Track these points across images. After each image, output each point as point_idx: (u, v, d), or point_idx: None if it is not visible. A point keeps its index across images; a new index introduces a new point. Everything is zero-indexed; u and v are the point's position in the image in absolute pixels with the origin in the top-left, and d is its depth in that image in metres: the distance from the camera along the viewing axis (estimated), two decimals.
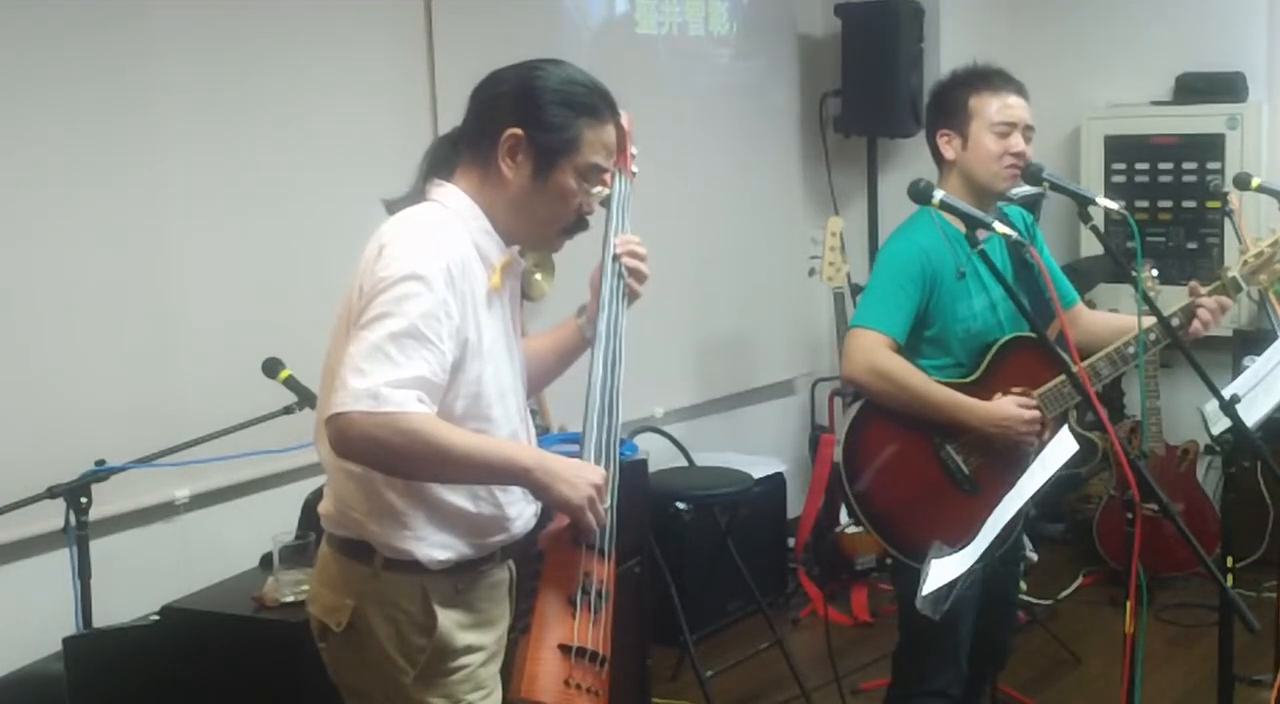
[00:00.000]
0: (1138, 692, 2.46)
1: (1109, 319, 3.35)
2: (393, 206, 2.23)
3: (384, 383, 1.97)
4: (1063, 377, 2.99)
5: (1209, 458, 5.32)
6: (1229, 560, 3.15)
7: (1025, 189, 3.21)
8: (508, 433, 2.23)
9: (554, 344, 2.46)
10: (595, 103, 2.20)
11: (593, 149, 2.19)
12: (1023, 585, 4.52)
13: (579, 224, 2.25)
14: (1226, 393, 2.85)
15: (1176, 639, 4.68)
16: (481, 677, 2.25)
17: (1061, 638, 4.64)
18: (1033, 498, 2.44)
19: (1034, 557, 5.10)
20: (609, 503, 2.20)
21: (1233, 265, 3.13)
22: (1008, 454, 3.01)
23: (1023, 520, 3.25)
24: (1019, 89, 3.10)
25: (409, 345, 2.01)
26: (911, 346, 3.05)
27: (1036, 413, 3.01)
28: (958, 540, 2.97)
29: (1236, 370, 4.48)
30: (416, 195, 2.23)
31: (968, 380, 3.05)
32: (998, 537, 2.54)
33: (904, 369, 2.99)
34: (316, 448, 2.25)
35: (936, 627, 2.57)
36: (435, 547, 2.16)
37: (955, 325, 3.05)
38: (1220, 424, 2.95)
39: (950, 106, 3.09)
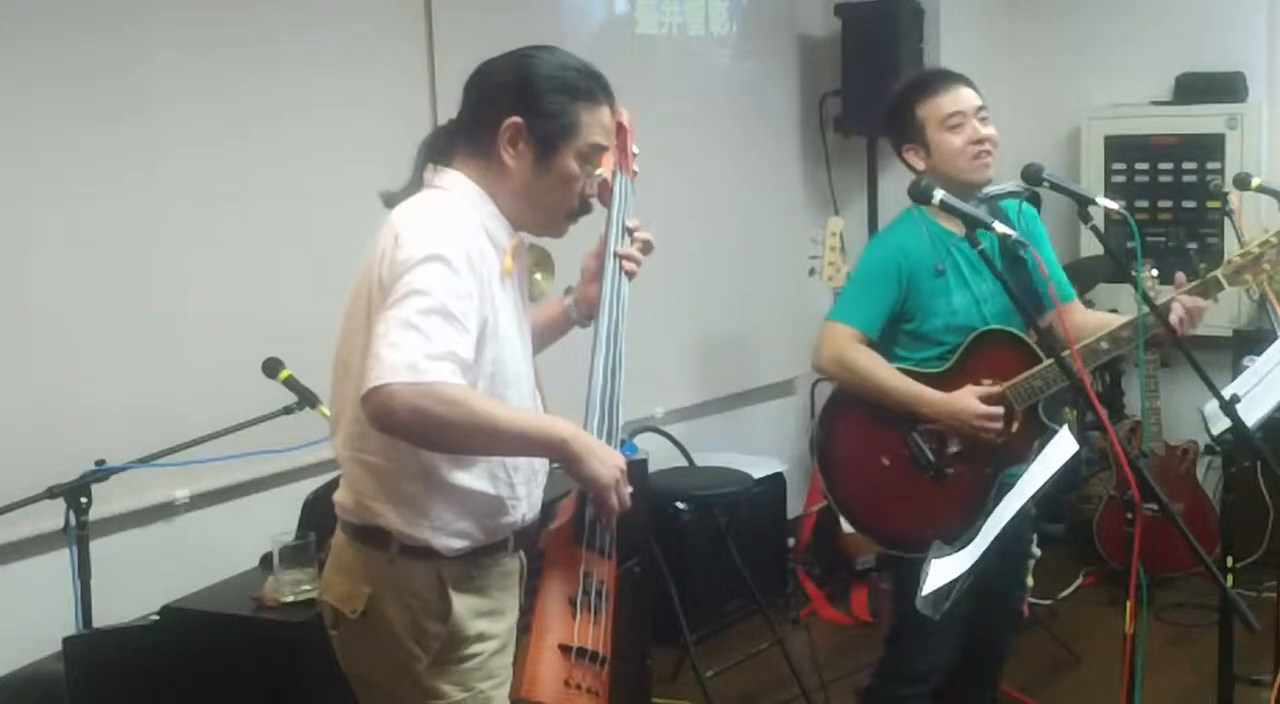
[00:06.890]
0: (1138, 692, 2.46)
1: (1103, 317, 3.34)
2: (391, 199, 2.22)
3: (422, 355, 1.97)
4: (1034, 370, 3.03)
5: (1209, 458, 5.33)
6: (1229, 560, 3.16)
7: (1008, 185, 3.20)
8: None
9: (541, 320, 2.48)
10: (590, 86, 2.22)
11: (591, 130, 2.21)
12: (1030, 581, 4.49)
13: (583, 207, 2.27)
14: (1226, 393, 2.86)
15: (1176, 639, 4.68)
16: (493, 666, 2.25)
17: (1061, 638, 4.65)
18: (1033, 497, 2.44)
19: (1037, 552, 5.08)
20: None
21: (1219, 264, 3.10)
22: (975, 444, 3.06)
23: (1030, 518, 3.28)
24: (958, 79, 3.12)
25: (438, 322, 2.01)
26: (891, 339, 3.12)
27: (995, 407, 3.03)
28: (922, 526, 3.04)
29: (1236, 370, 4.47)
30: (415, 185, 2.23)
31: (938, 371, 3.09)
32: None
33: (868, 360, 3.07)
34: (331, 441, 2.26)
35: (921, 616, 2.59)
36: (452, 536, 2.17)
37: (934, 320, 3.10)
38: (1220, 424, 2.95)
39: (902, 122, 3.12)
